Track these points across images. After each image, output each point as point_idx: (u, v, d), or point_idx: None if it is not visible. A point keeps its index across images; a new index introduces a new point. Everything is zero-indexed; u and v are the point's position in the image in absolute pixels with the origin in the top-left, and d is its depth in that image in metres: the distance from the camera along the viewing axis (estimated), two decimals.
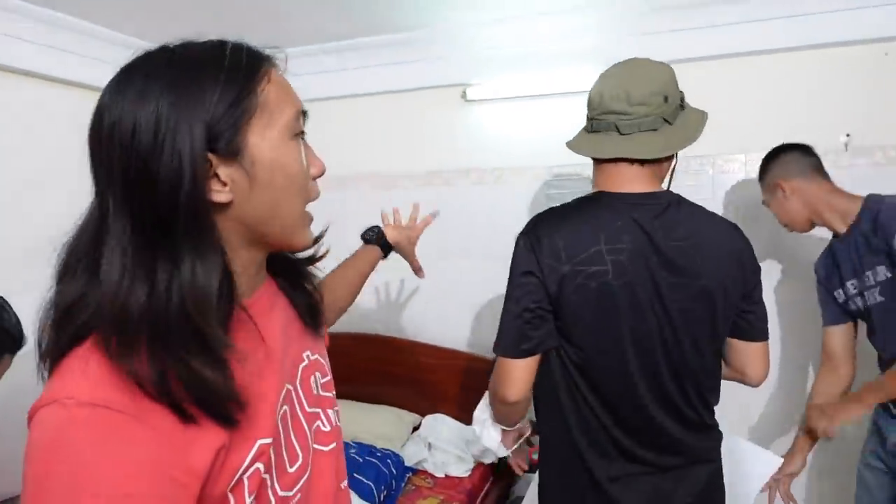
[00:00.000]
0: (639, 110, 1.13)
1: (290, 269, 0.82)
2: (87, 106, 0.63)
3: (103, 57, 2.27)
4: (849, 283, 1.69)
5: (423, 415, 2.57)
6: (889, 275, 1.56)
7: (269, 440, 0.65)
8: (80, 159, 0.64)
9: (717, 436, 1.28)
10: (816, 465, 2.17)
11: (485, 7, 2.19)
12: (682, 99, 1.20)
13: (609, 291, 1.12)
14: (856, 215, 1.63)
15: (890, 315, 1.60)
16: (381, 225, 1.51)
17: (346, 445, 2.27)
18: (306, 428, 0.76)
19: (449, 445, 2.36)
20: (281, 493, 0.67)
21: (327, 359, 0.88)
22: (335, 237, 0.91)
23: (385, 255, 1.46)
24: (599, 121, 1.18)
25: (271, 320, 0.73)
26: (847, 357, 1.75)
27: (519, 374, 1.19)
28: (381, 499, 2.10)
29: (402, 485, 2.24)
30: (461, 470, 2.30)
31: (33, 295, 0.64)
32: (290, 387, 0.74)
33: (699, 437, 1.24)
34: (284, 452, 0.69)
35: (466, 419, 2.43)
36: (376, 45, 2.53)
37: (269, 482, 0.66)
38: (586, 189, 2.34)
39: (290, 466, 0.70)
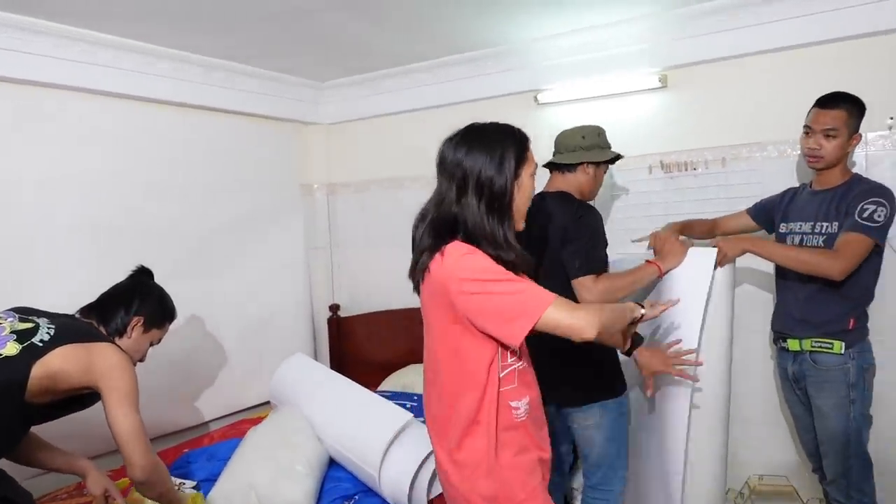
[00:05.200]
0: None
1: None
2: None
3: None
4: (796, 223, 2.12)
5: None
6: (835, 231, 1.99)
7: None
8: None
9: None
10: None
11: (549, 23, 2.52)
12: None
13: None
14: (841, 182, 2.04)
15: None
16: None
17: (410, 397, 2.69)
18: None
19: None
20: None
21: None
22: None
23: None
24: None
25: None
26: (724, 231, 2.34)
27: None
28: None
29: None
30: None
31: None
32: None
33: None
34: None
35: None
36: (458, 63, 2.94)
37: None
38: (643, 176, 2.62)
39: None
